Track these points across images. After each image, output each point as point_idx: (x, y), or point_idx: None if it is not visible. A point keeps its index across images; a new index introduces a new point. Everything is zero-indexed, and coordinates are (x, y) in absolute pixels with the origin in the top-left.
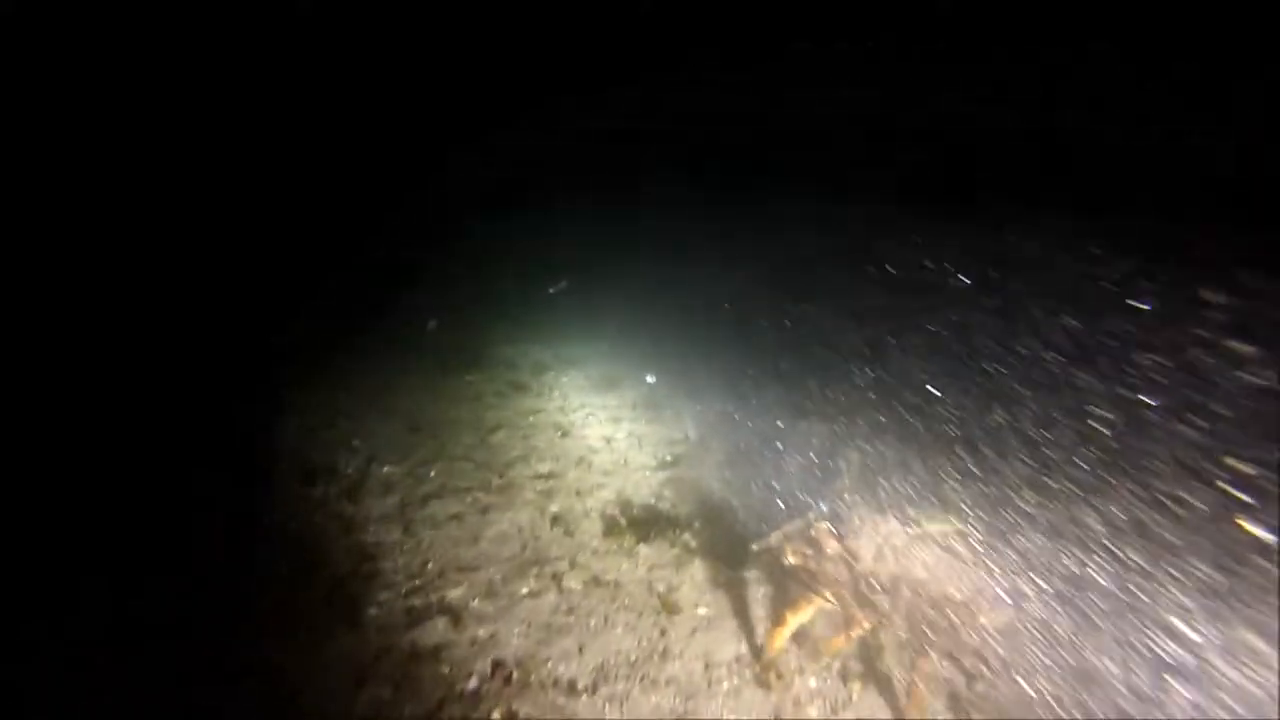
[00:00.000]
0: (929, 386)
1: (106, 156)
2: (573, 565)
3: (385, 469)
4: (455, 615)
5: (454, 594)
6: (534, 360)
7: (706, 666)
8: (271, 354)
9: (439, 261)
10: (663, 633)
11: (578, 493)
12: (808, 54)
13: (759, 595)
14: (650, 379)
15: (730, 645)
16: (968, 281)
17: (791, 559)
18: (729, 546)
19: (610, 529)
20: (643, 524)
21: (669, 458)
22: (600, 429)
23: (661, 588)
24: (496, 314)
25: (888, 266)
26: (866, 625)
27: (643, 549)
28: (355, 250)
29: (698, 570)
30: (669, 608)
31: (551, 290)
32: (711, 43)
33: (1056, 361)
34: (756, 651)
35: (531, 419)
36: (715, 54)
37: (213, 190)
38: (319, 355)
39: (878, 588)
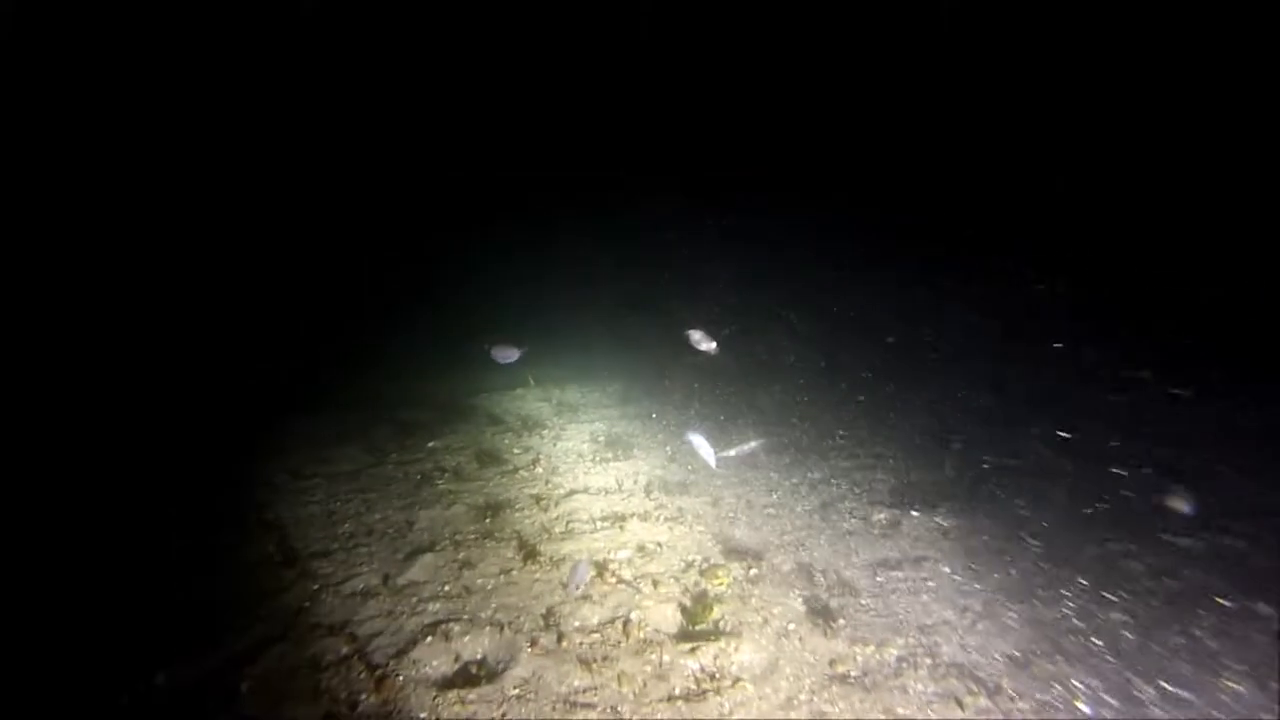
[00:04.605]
0: None
1: (105, 159)
2: None
3: (166, 678)
4: None
5: None
6: (526, 413)
7: None
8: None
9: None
10: None
11: None
12: None
13: None
14: (696, 439)
15: None
16: None
17: None
18: None
19: None
20: None
21: (716, 607)
22: (593, 540)
23: None
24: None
25: None
26: None
27: None
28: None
29: None
30: None
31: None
32: None
33: None
34: None
35: (488, 522)
36: None
37: (214, 195)
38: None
39: None
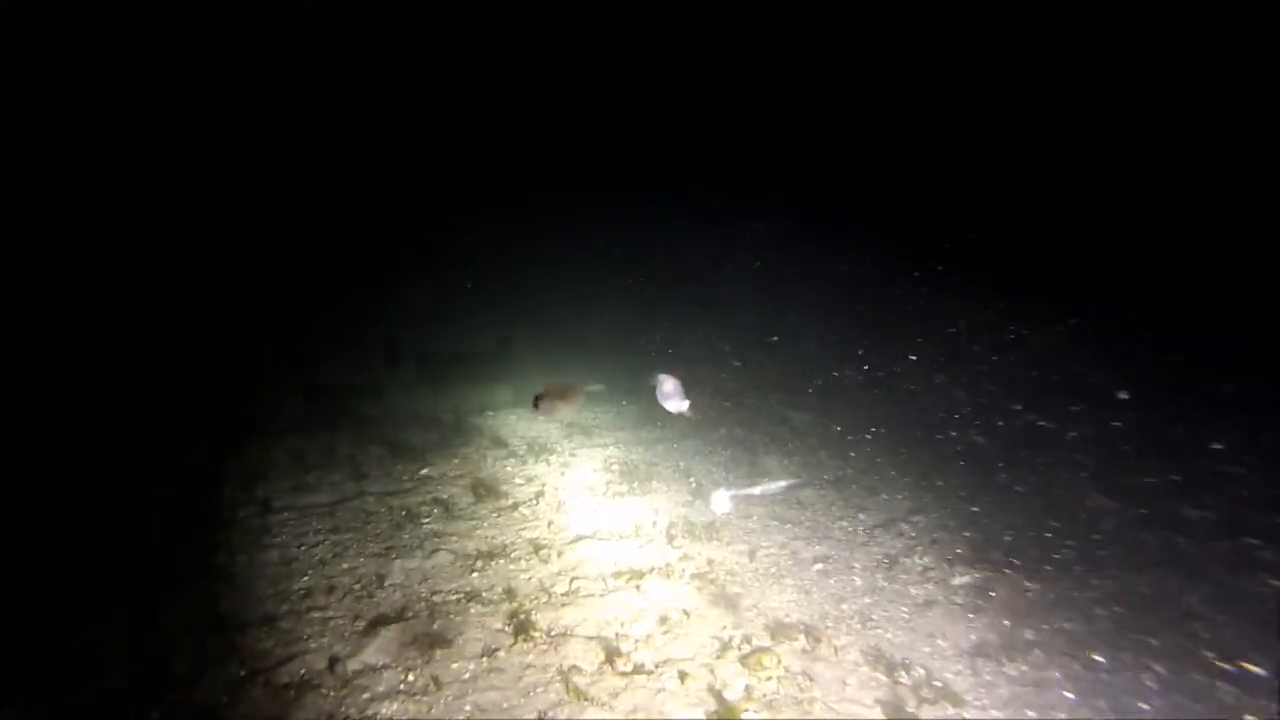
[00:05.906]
0: None
1: (105, 159)
2: None
3: None
4: None
5: None
6: (533, 435)
7: None
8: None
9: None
10: None
11: None
12: None
13: None
14: (718, 496)
15: None
16: None
17: None
18: None
19: None
20: None
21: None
22: (601, 606)
23: None
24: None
25: None
26: None
27: None
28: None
29: None
30: None
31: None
32: None
33: None
34: None
35: (475, 576)
36: None
37: (216, 194)
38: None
39: None
